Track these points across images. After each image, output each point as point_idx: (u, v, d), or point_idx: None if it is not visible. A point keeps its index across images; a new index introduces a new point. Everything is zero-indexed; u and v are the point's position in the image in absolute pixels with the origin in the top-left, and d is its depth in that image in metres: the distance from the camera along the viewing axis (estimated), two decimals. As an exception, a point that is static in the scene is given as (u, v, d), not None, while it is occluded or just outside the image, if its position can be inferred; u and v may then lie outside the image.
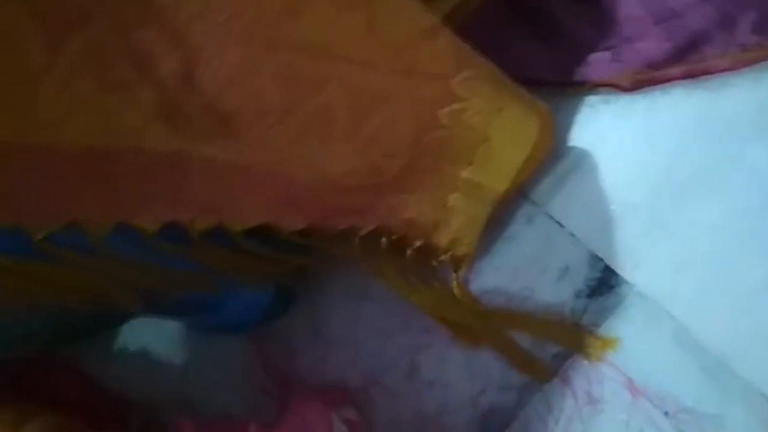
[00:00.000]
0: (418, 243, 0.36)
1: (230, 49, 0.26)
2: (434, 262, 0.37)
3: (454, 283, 0.37)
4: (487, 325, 0.37)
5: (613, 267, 0.36)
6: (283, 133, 0.29)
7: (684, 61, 0.37)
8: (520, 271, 0.37)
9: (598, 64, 0.37)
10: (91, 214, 0.28)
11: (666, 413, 0.34)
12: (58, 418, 0.39)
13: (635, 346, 0.35)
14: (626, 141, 0.38)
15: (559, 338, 0.35)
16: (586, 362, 0.35)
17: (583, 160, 0.37)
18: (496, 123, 0.32)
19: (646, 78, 0.38)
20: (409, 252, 0.36)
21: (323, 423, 0.33)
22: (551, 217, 0.37)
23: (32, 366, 0.54)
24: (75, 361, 0.54)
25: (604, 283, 0.36)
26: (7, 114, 0.25)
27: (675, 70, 0.37)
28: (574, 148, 0.37)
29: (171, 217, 0.30)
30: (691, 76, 0.38)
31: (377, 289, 0.41)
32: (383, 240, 0.36)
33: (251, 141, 0.30)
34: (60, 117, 0.26)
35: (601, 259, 0.36)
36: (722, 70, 0.37)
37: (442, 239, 0.36)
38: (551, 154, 0.36)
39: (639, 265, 0.36)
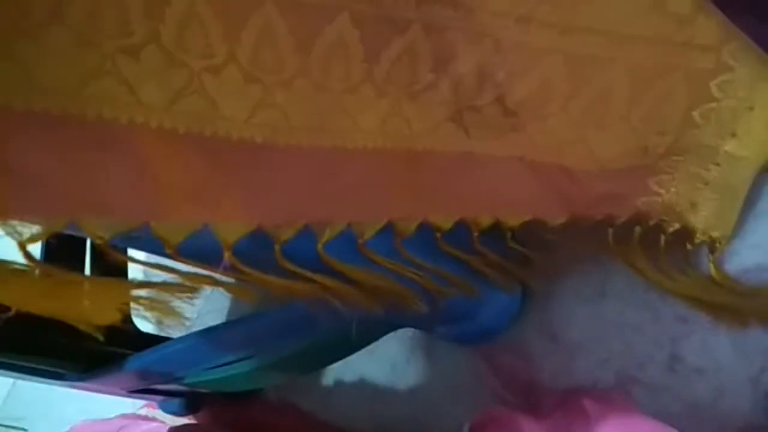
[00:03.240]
0: (673, 227, 0.36)
1: (529, 39, 0.27)
2: (689, 246, 0.37)
3: (711, 266, 0.37)
4: (753, 302, 0.36)
5: None
6: (565, 120, 0.30)
7: None
8: (781, 244, 0.36)
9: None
10: (400, 214, 0.29)
11: None
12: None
13: None
14: None
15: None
16: None
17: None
18: (760, 92, 0.32)
19: None
20: (664, 238, 0.36)
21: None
22: (805, 188, 0.36)
23: (249, 407, 0.55)
24: (289, 400, 0.55)
25: None
26: (331, 122, 0.27)
27: None
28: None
29: (459, 215, 0.31)
30: None
31: (615, 285, 0.41)
32: (638, 228, 0.36)
33: (534, 132, 0.30)
34: (375, 123, 0.28)
35: None
36: None
37: (699, 220, 0.36)
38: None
39: None
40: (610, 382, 0.40)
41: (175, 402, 0.52)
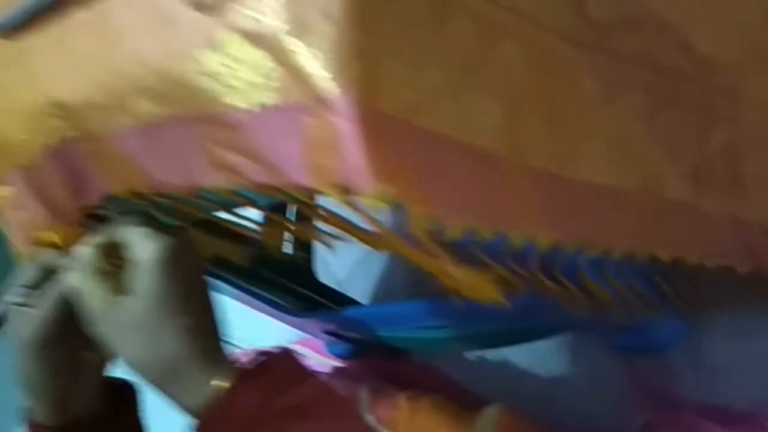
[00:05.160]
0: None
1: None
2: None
3: None
4: None
5: None
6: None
7: None
8: None
9: None
10: (631, 245, 0.36)
11: None
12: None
13: None
14: None
15: None
16: None
17: None
18: None
19: None
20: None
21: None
22: None
23: (399, 364, 0.64)
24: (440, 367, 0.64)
25: None
26: (581, 157, 0.34)
27: None
28: None
29: (674, 252, 0.38)
30: None
31: (765, 325, 0.47)
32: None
33: (752, 198, 0.37)
34: (602, 158, 0.34)
35: None
36: None
37: None
38: None
39: None
40: (744, 408, 0.46)
41: (343, 346, 0.61)
